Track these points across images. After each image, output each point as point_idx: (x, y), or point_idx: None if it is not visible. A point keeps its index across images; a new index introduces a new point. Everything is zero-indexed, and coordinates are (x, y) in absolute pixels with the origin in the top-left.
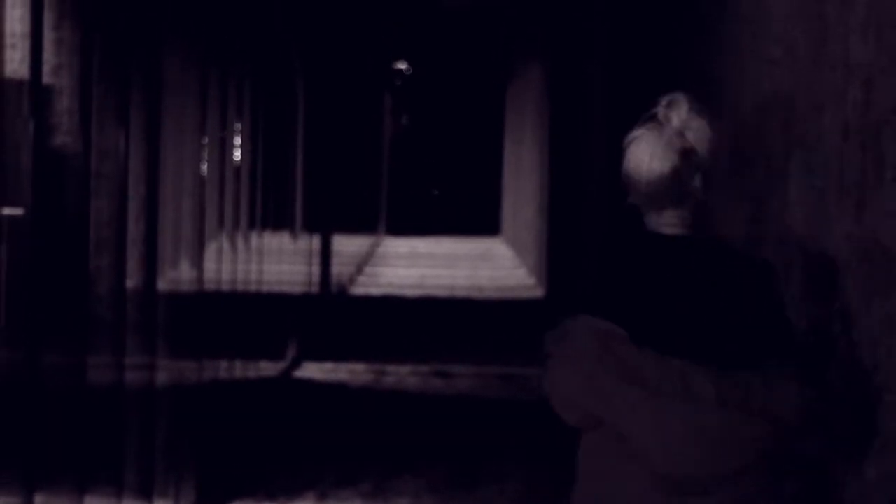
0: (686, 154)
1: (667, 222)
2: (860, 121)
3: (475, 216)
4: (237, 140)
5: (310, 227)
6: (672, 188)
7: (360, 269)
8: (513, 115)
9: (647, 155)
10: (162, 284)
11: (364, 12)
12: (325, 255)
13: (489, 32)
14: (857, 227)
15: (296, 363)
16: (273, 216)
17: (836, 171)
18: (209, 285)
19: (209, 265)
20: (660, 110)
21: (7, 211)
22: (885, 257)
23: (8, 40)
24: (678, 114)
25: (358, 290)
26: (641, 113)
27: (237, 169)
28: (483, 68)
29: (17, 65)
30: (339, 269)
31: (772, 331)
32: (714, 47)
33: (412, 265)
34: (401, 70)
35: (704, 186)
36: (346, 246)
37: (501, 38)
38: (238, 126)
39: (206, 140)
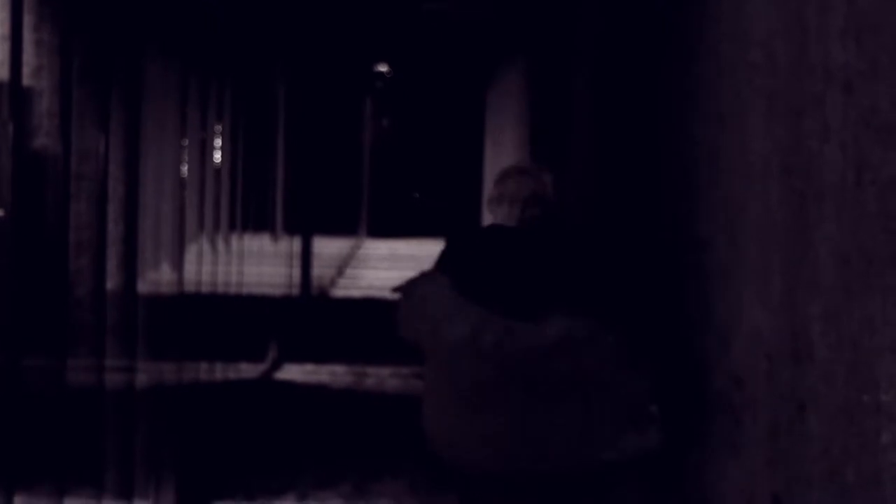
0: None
1: (507, 220)
2: (840, 124)
3: (456, 218)
4: (217, 142)
5: (290, 229)
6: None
7: (340, 271)
8: (493, 118)
9: (515, 184)
10: (142, 286)
11: (345, 14)
12: (306, 257)
13: (470, 35)
14: (836, 229)
15: (276, 365)
16: (253, 218)
17: (816, 173)
18: (189, 287)
19: (189, 267)
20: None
21: None
22: (864, 260)
23: None
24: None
25: (338, 292)
26: (622, 116)
27: (217, 171)
28: (464, 71)
29: None
30: (319, 271)
31: (572, 291)
32: (695, 52)
33: (393, 267)
34: (381, 73)
35: (541, 206)
36: (327, 248)
37: (482, 41)
38: (218, 128)
39: (186, 142)
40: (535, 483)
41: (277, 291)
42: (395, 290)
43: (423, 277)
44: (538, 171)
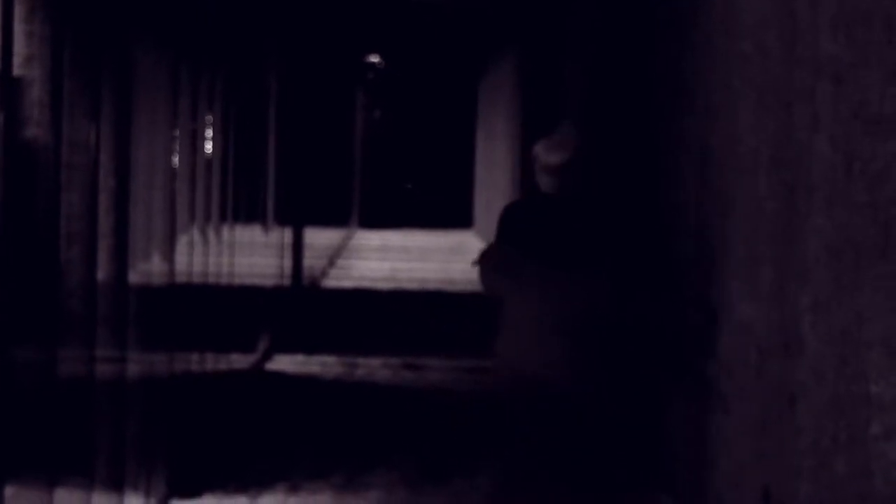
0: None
1: (550, 188)
2: (829, 116)
3: (447, 209)
4: (209, 132)
5: (281, 220)
6: (557, 171)
7: (331, 262)
8: (485, 109)
9: (548, 150)
10: (133, 277)
11: (337, 5)
12: (297, 247)
13: (462, 26)
14: (826, 221)
15: (267, 356)
16: (244, 209)
17: (806, 166)
18: (180, 278)
19: (180, 258)
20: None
21: None
22: (854, 251)
23: None
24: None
25: (330, 282)
26: (613, 108)
27: (208, 161)
28: (456, 62)
29: None
30: (310, 261)
31: (598, 252)
32: (686, 44)
33: (384, 258)
34: (373, 63)
35: (573, 173)
36: (318, 239)
37: (474, 32)
38: (209, 118)
39: (177, 132)
40: (561, 389)
41: (269, 282)
42: (475, 263)
43: (492, 248)
44: (571, 141)
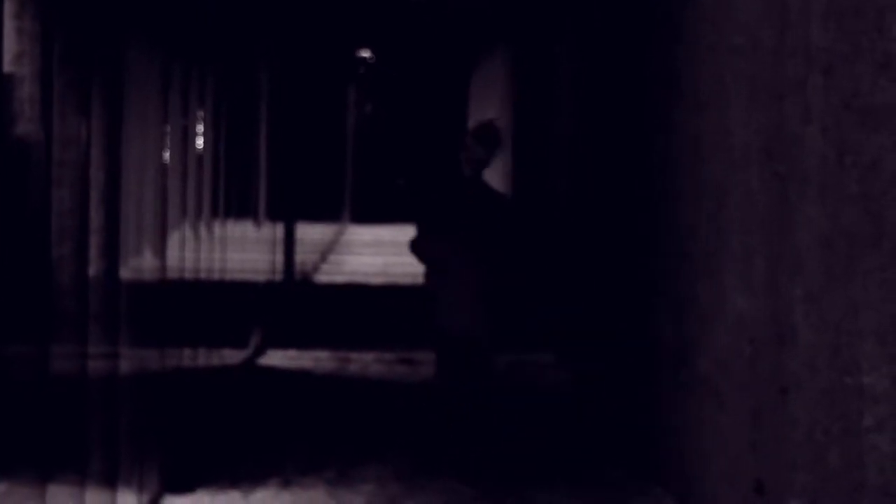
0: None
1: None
2: (821, 107)
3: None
4: (200, 128)
5: (273, 216)
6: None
7: (323, 257)
8: (477, 103)
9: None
10: (125, 273)
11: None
12: (289, 243)
13: (454, 20)
14: (819, 212)
15: (260, 351)
16: (236, 204)
17: (798, 157)
18: (172, 274)
19: (172, 253)
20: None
21: None
22: (847, 243)
23: None
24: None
25: (322, 277)
26: (605, 103)
27: (200, 157)
28: (447, 56)
29: None
30: (302, 257)
31: (504, 225)
32: (678, 37)
33: (376, 253)
34: (364, 58)
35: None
36: (310, 234)
37: (466, 26)
38: (200, 114)
39: (168, 128)
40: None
41: (260, 278)
42: (411, 250)
43: (419, 239)
44: (497, 138)
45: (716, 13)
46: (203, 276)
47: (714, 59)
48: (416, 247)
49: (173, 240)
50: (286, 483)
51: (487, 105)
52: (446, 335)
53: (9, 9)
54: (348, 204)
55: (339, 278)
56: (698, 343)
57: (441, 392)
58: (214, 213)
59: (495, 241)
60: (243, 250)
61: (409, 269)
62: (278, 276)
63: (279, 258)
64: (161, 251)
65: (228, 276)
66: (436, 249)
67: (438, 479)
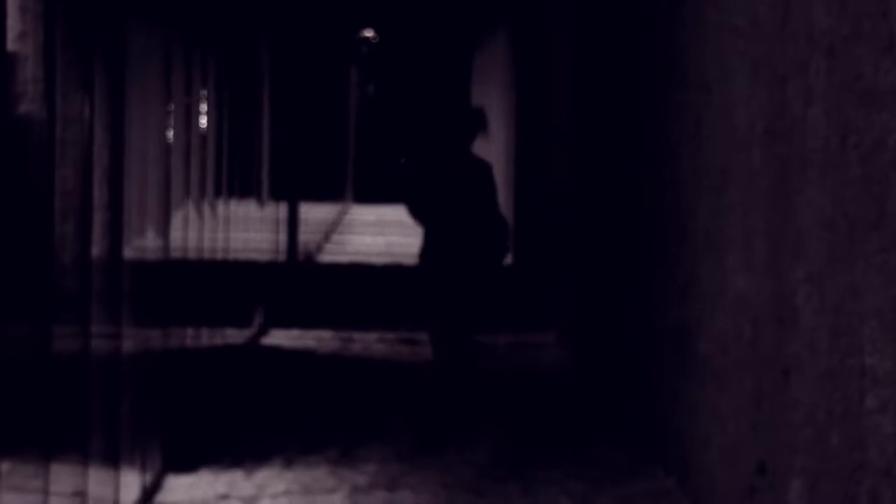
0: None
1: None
2: (823, 89)
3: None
4: (203, 107)
5: (276, 195)
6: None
7: (327, 237)
8: (480, 83)
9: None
10: (128, 253)
11: None
12: (292, 222)
13: (456, 1)
14: (820, 194)
15: (263, 330)
16: (239, 184)
17: (800, 139)
18: (175, 253)
19: (175, 233)
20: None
21: None
22: (848, 224)
23: None
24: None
25: (325, 257)
26: (605, 82)
27: (203, 137)
28: (450, 36)
29: None
30: (305, 236)
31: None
32: (679, 18)
33: (379, 233)
34: (367, 38)
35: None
36: (313, 214)
37: (468, 6)
38: (204, 93)
39: (171, 108)
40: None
41: (264, 257)
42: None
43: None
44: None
45: None
46: (206, 255)
47: (716, 40)
48: (416, 209)
49: (177, 219)
50: (289, 462)
51: (490, 85)
52: (436, 316)
53: None
54: (351, 184)
55: (342, 258)
56: (699, 324)
57: (438, 372)
58: (218, 193)
59: (486, 197)
60: (247, 230)
61: (412, 249)
62: (281, 256)
63: (282, 238)
64: (164, 231)
65: (232, 256)
66: (432, 211)
67: (440, 459)
